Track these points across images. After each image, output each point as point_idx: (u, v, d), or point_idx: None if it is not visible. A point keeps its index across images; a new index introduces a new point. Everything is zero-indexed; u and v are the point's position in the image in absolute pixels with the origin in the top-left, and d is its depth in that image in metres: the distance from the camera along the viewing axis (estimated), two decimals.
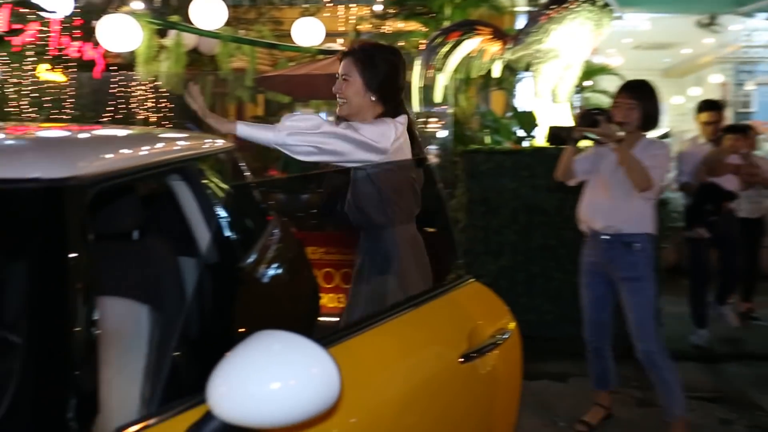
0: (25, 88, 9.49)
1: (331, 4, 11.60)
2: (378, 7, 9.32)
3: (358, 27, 10.18)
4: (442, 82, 5.79)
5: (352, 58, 2.52)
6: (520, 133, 6.61)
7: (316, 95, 10.43)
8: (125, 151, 1.68)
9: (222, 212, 2.07)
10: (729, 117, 10.28)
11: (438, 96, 5.95)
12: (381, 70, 2.49)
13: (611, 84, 8.18)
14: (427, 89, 6.18)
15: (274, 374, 1.12)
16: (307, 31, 8.80)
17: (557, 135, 5.04)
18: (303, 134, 2.30)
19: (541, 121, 5.63)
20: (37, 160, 1.40)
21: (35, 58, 9.57)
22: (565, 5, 5.28)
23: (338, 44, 11.19)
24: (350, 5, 12.04)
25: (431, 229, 2.38)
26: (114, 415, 1.36)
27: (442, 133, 7.66)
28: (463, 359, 2.03)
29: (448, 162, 5.83)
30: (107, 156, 1.55)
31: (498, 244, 4.89)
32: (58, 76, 10.12)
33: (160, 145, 1.95)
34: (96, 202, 1.46)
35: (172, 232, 2.08)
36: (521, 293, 4.88)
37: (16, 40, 8.82)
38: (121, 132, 2.14)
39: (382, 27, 8.73)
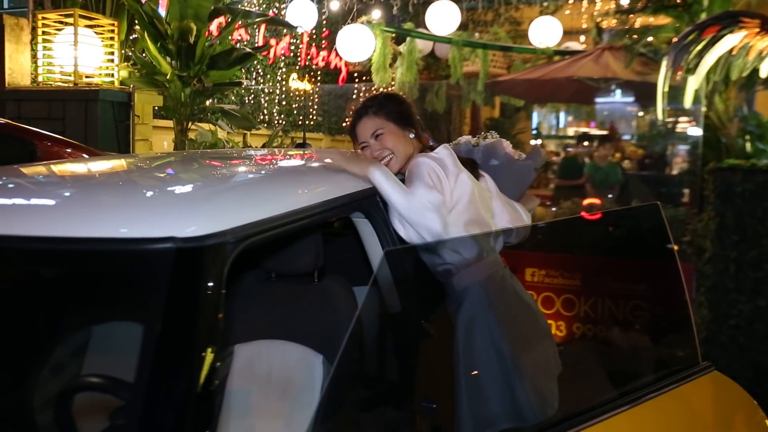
0: (277, 97, 10.26)
1: (573, 1, 10.95)
2: (625, 1, 8.55)
3: (600, 23, 9.50)
4: (693, 85, 5.05)
5: (371, 113, 2.11)
6: None
7: (551, 98, 9.96)
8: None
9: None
10: None
11: (687, 101, 5.21)
12: (402, 105, 2.11)
13: None
14: (675, 92, 5.47)
15: None
16: (544, 31, 8.41)
17: None
18: (430, 212, 1.85)
19: None
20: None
21: (285, 69, 10.32)
22: None
23: (579, 43, 10.57)
24: (594, 0, 11.28)
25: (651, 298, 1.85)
26: None
27: (692, 137, 6.80)
28: None
29: (695, 177, 5.09)
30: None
31: (755, 281, 4.09)
32: (306, 85, 10.83)
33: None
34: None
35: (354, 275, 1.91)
36: None
37: (269, 54, 9.59)
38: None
39: (628, 23, 7.97)
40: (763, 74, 5.00)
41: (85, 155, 3.81)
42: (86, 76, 5.39)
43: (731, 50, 4.91)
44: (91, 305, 1.43)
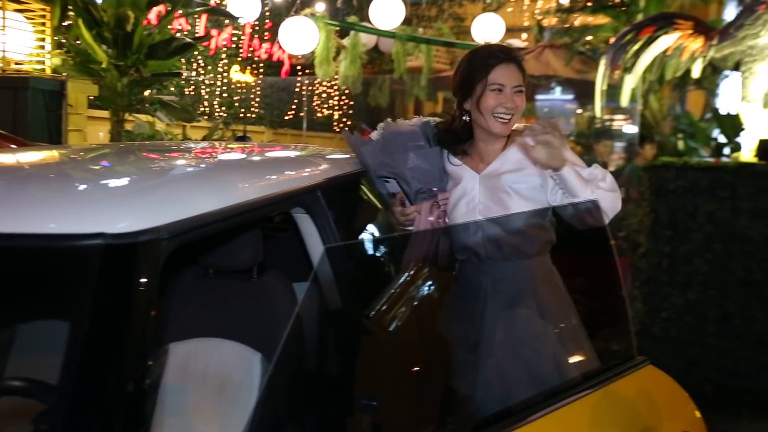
0: (218, 89, 10.08)
1: None
2: (565, 0, 8.72)
3: (542, 21, 9.67)
4: (630, 84, 5.17)
5: (517, 64, 2.03)
6: (721, 139, 5.80)
7: None
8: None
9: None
10: None
11: (624, 99, 5.34)
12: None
13: None
14: (613, 90, 5.60)
15: None
16: (487, 27, 8.51)
17: None
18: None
19: (748, 129, 4.84)
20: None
21: (227, 61, 10.15)
22: None
23: (521, 40, 10.73)
24: None
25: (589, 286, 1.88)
26: None
27: (629, 135, 6.97)
28: None
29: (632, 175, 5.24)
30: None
31: (686, 275, 4.22)
32: (248, 77, 10.68)
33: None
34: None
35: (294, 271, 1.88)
36: (712, 334, 4.19)
37: (210, 44, 9.41)
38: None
39: (568, 22, 8.13)
40: (695, 75, 5.17)
41: (13, 146, 3.65)
42: (15, 63, 5.17)
43: (666, 51, 5.05)
44: (17, 304, 1.36)
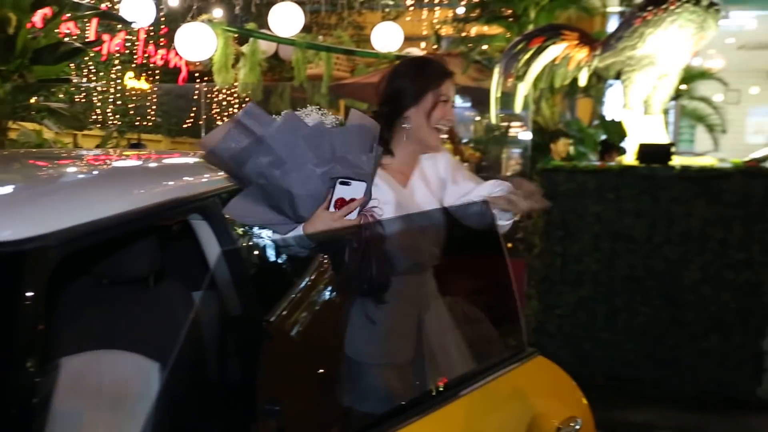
0: (111, 96, 9.72)
1: (413, 8, 11.33)
2: (461, 10, 8.99)
3: (439, 31, 9.91)
4: (523, 92, 5.39)
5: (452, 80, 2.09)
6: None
7: None
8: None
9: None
10: None
11: (518, 106, 5.55)
12: None
13: (711, 89, 7.57)
14: (507, 97, 5.81)
15: None
16: (387, 36, 8.62)
17: (649, 153, 4.57)
18: None
19: (631, 134, 5.14)
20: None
21: (120, 67, 9.80)
22: (663, 6, 4.75)
23: (419, 49, 10.94)
24: (433, 8, 11.74)
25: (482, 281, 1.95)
26: None
27: (523, 141, 7.26)
28: None
29: (526, 177, 5.42)
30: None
31: (577, 273, 4.45)
32: (143, 84, 10.35)
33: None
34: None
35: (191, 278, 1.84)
36: (601, 328, 4.43)
37: (102, 50, 9.06)
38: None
39: (464, 31, 8.38)
40: (581, 83, 5.44)
41: None
42: None
43: (554, 60, 5.29)
44: None
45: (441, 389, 1.64)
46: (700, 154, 7.23)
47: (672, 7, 4.72)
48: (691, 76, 6.83)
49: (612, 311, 4.41)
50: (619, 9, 8.06)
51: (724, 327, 4.27)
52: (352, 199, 1.67)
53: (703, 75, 7.60)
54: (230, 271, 1.59)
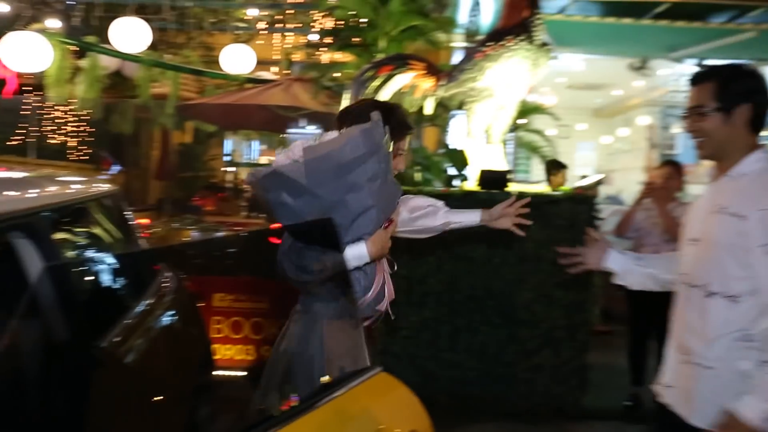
0: None
1: (266, 33, 11.26)
2: (314, 37, 9.05)
3: (291, 56, 9.92)
4: None
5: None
6: (452, 171, 6.39)
7: (243, 125, 10.07)
8: None
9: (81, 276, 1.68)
10: (655, 159, 10.46)
11: None
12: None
13: (545, 123, 8.13)
14: None
15: None
16: (237, 59, 8.49)
17: (489, 179, 4.83)
18: None
19: (472, 162, 5.41)
20: None
21: None
22: (501, 43, 5.08)
23: (271, 73, 10.88)
24: (286, 33, 11.74)
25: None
26: None
27: None
28: None
29: None
30: None
31: (422, 295, 4.58)
32: None
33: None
34: None
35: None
36: (444, 347, 4.58)
37: None
38: None
39: (315, 57, 8.44)
40: (427, 111, 5.65)
41: None
42: None
43: (402, 88, 5.46)
44: None
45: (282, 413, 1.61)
46: (535, 182, 7.74)
47: (509, 44, 5.05)
48: (527, 110, 7.29)
49: (454, 331, 4.57)
50: (463, 44, 8.49)
51: (554, 342, 4.56)
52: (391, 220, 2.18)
53: (537, 110, 8.14)
54: (55, 291, 1.46)
